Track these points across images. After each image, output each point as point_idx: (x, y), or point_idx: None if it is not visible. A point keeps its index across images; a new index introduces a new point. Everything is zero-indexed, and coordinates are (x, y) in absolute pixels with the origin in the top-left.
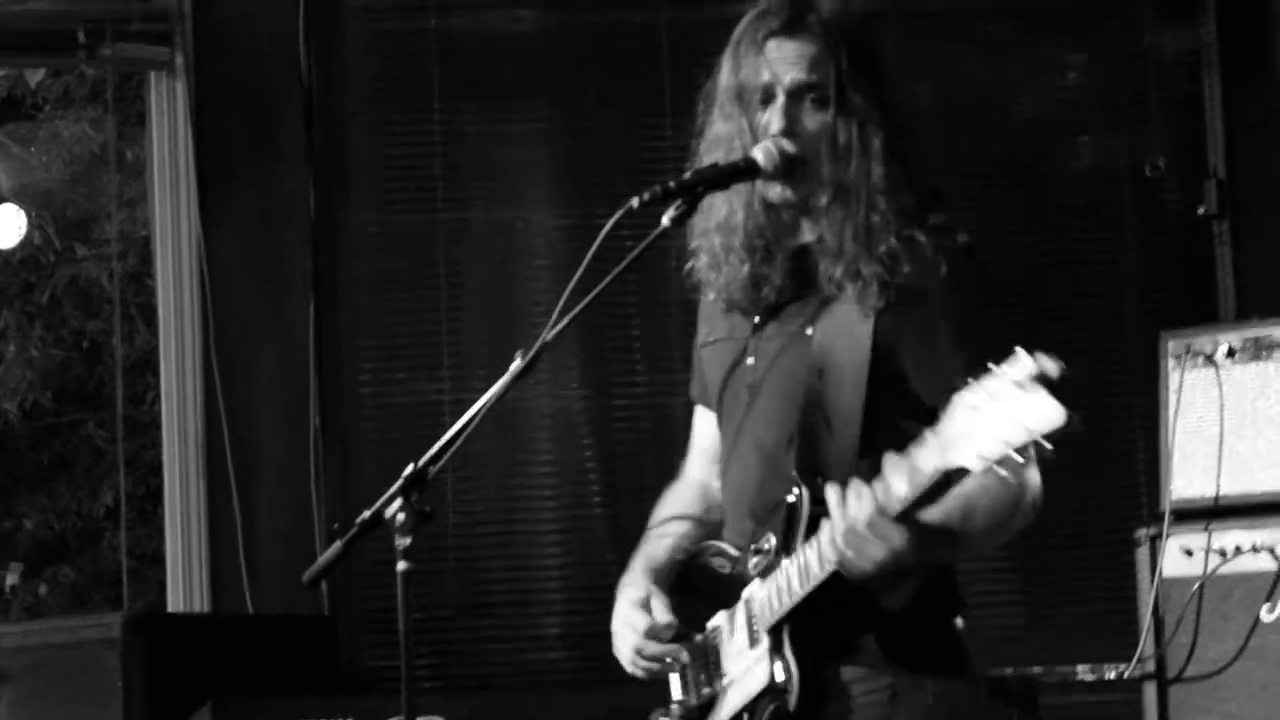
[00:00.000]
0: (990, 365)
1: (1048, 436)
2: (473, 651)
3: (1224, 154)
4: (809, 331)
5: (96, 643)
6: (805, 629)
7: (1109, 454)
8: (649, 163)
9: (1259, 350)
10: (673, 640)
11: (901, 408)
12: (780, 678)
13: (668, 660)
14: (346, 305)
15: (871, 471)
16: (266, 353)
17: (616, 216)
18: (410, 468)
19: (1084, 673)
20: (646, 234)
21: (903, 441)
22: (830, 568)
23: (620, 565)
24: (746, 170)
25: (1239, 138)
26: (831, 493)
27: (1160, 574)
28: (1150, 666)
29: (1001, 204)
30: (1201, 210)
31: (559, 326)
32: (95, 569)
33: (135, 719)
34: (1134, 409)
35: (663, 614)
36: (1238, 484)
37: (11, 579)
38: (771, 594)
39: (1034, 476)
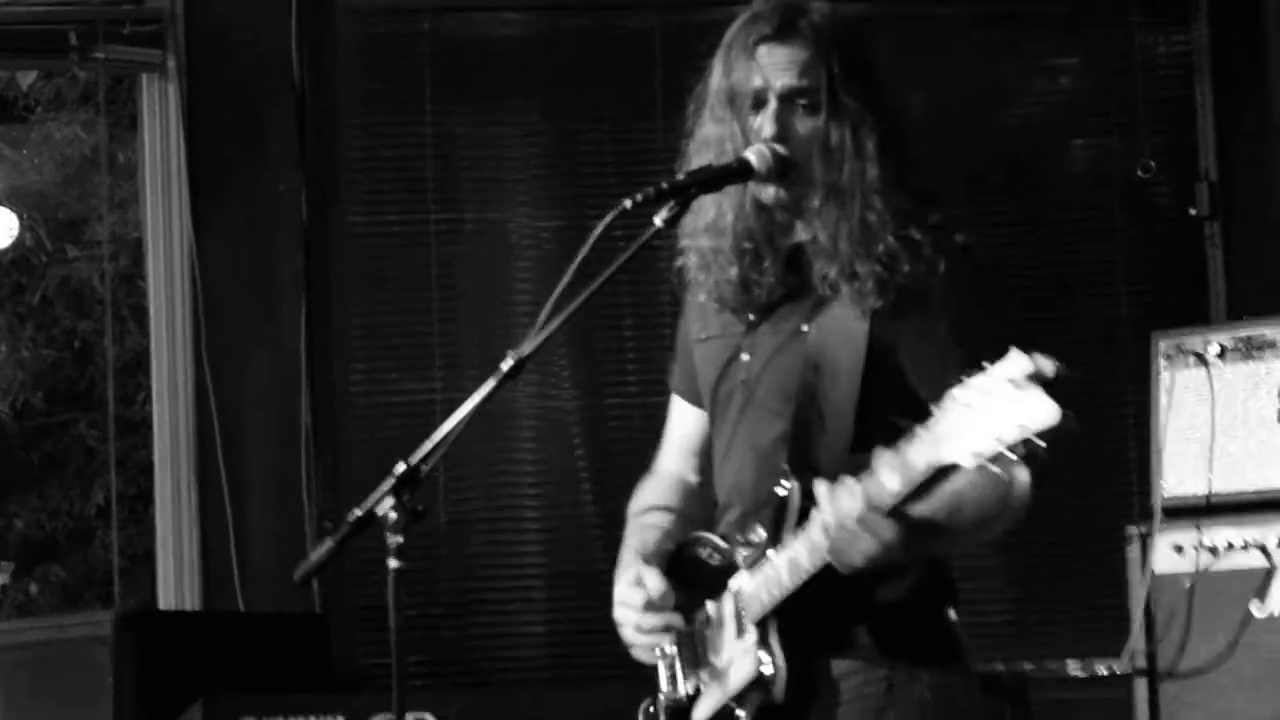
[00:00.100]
0: (985, 363)
1: (1042, 435)
2: (464, 649)
3: (1215, 156)
4: (805, 329)
5: (88, 640)
6: (795, 621)
7: (1101, 452)
8: (640, 165)
9: (1250, 350)
10: (673, 613)
11: (896, 405)
12: (767, 671)
13: (673, 629)
14: (338, 306)
15: (863, 468)
16: (258, 353)
17: (610, 217)
18: (402, 466)
19: (1075, 669)
20: (638, 235)
21: (896, 438)
22: (820, 561)
23: (611, 564)
24: (740, 172)
25: (1230, 140)
26: (821, 487)
27: (1151, 571)
28: (1141, 663)
29: (994, 206)
30: (1193, 212)
31: (551, 327)
32: (86, 568)
33: (126, 717)
34: (1126, 408)
35: (657, 585)
36: (1229, 482)
37: (2, 578)
38: (760, 586)
39: (1023, 475)
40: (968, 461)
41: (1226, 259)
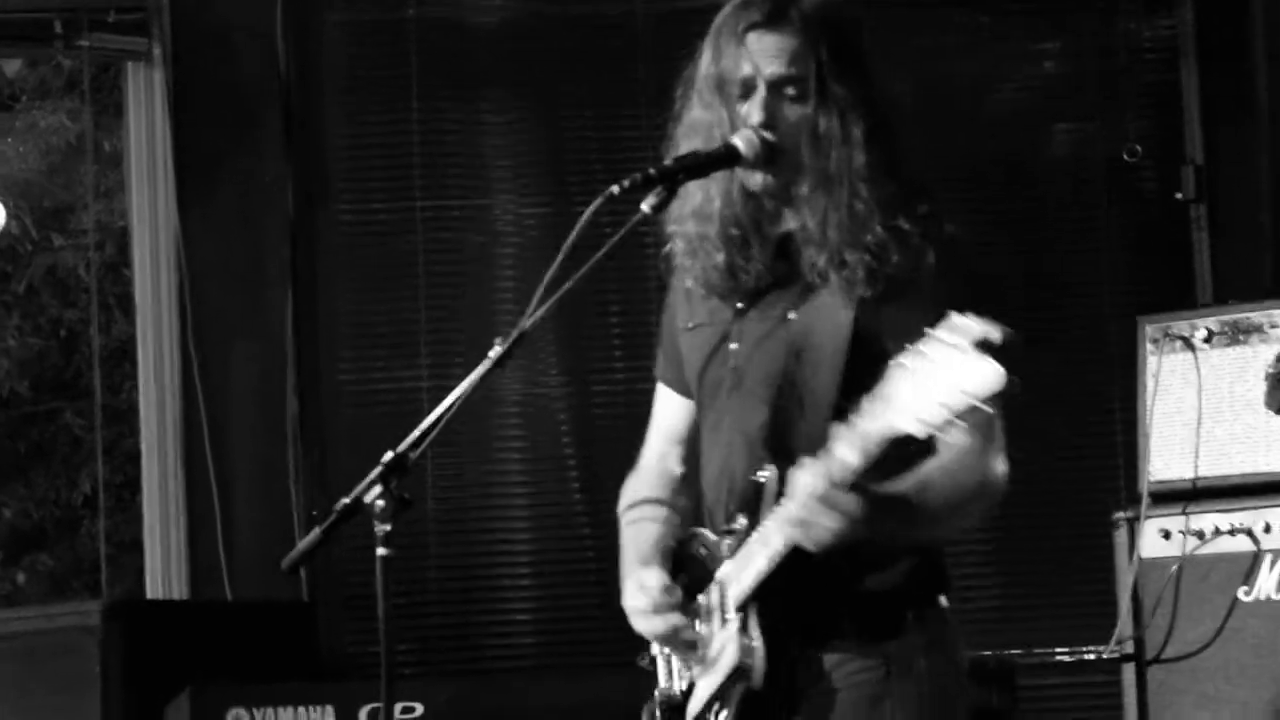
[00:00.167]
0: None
1: (990, 400)
2: (452, 637)
3: (1201, 140)
4: (791, 316)
5: (75, 630)
6: (778, 607)
7: (1088, 437)
8: (625, 151)
9: (1236, 334)
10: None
11: None
12: (746, 658)
13: (680, 628)
14: (324, 294)
15: None
16: (244, 341)
17: (597, 203)
18: (390, 454)
19: (1062, 654)
20: (625, 221)
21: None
22: (788, 540)
23: (598, 552)
24: (728, 158)
25: (1216, 124)
26: (794, 470)
27: (1138, 556)
28: (1129, 648)
29: (979, 191)
30: (1179, 196)
31: (538, 314)
32: (74, 557)
33: (114, 705)
34: (1112, 392)
35: (659, 586)
36: (1215, 467)
37: None
38: (739, 572)
39: (999, 463)
40: (917, 430)
41: (1212, 243)
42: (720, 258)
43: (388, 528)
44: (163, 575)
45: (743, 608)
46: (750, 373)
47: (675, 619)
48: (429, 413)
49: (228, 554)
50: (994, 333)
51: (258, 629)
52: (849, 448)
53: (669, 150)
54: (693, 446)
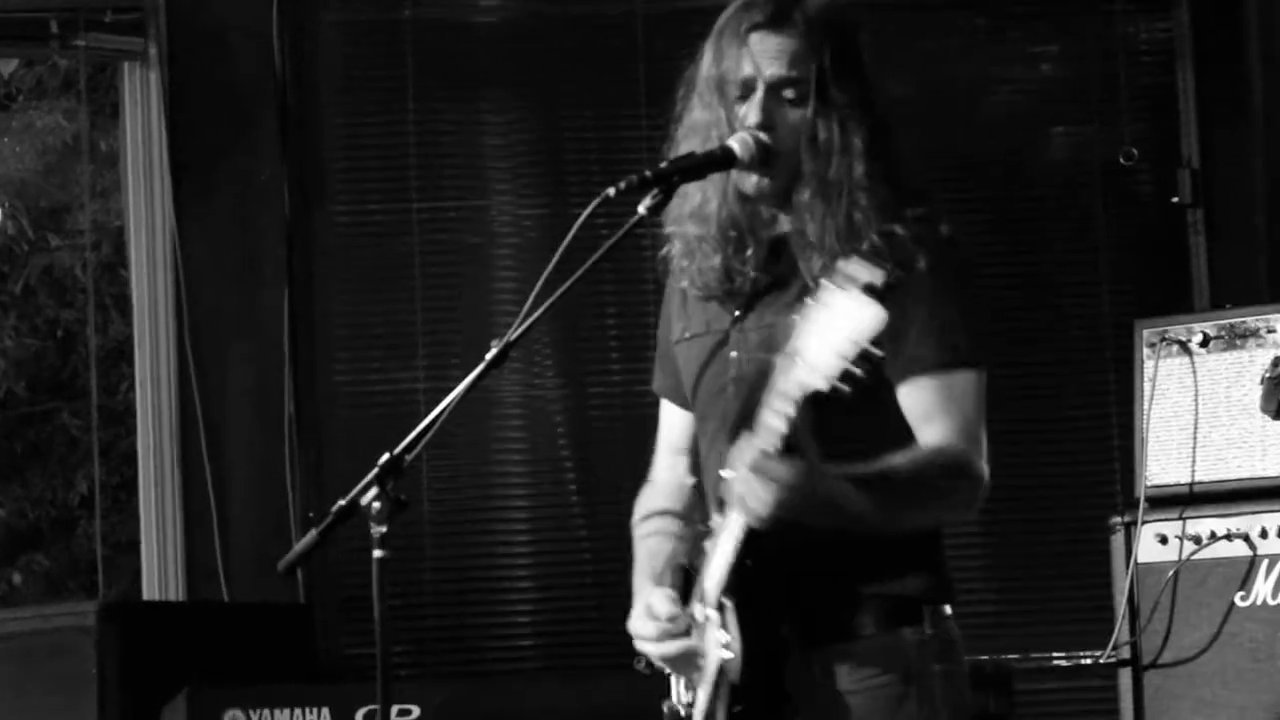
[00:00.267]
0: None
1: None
2: (449, 639)
3: (1197, 144)
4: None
5: (71, 630)
6: (767, 603)
7: (1084, 441)
8: (623, 153)
9: (1233, 338)
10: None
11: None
12: (724, 653)
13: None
14: (321, 295)
15: (821, 450)
16: (241, 342)
17: (593, 206)
18: (386, 456)
19: (1059, 659)
20: (622, 223)
21: (860, 427)
22: (739, 519)
23: (595, 554)
24: (723, 160)
25: (1212, 127)
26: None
27: (1135, 560)
28: (1125, 653)
29: (975, 194)
30: (1175, 200)
31: (534, 316)
32: (70, 557)
33: (110, 707)
34: (1109, 396)
35: (666, 610)
36: (1212, 471)
37: None
38: (713, 568)
39: (977, 465)
40: (823, 385)
41: (1209, 246)
42: (717, 259)
43: (384, 529)
44: (159, 576)
45: (720, 604)
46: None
47: (682, 644)
48: (425, 414)
49: (224, 555)
50: (877, 275)
51: (254, 630)
52: (771, 412)
53: (670, 150)
54: (697, 457)
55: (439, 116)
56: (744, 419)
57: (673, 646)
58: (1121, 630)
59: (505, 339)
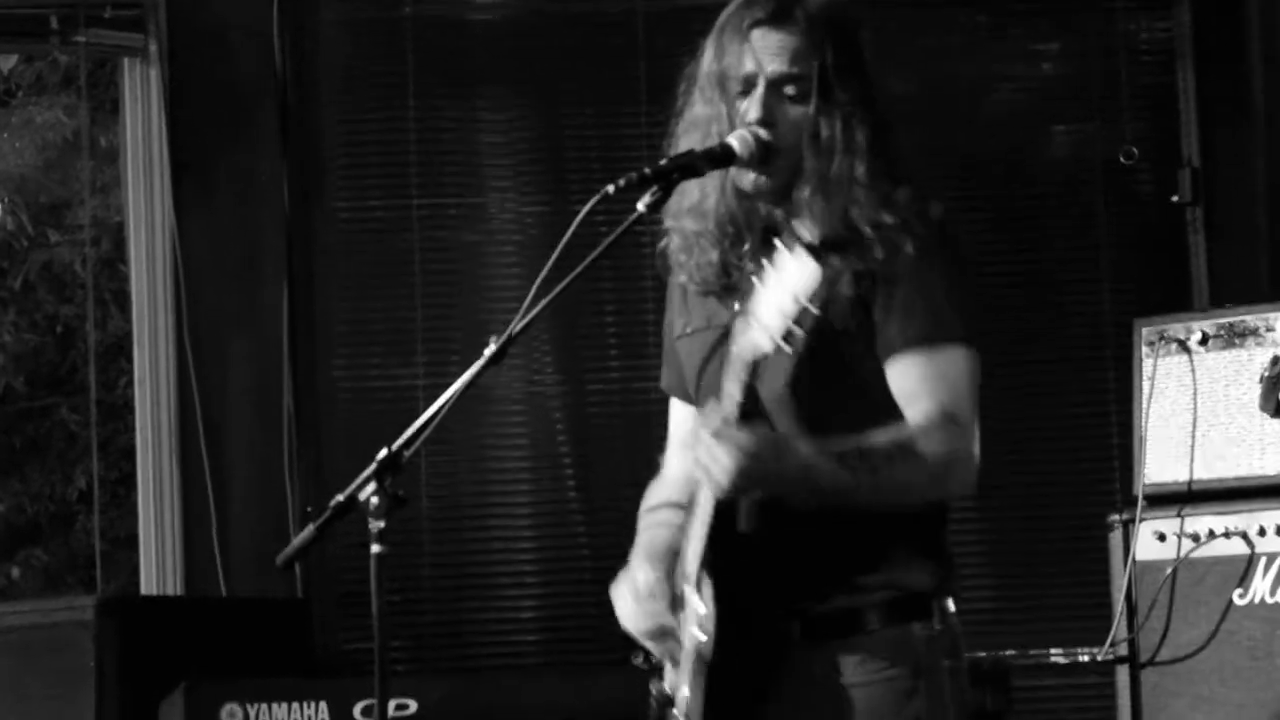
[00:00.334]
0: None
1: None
2: (446, 634)
3: (1198, 143)
4: None
5: (70, 625)
6: (749, 581)
7: (1083, 439)
8: (624, 150)
9: (1232, 337)
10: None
11: (840, 387)
12: (696, 631)
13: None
14: (320, 291)
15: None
16: (240, 338)
17: (592, 203)
18: (384, 452)
19: (1057, 656)
20: (621, 220)
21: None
22: (707, 491)
23: (594, 550)
24: (722, 157)
25: (1213, 126)
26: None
27: (1134, 558)
28: (1123, 650)
29: (975, 192)
30: (1175, 198)
31: (533, 312)
32: (68, 552)
33: (108, 701)
34: (1108, 395)
35: (647, 580)
36: (1211, 469)
37: None
38: (691, 547)
39: (963, 450)
40: (768, 345)
41: (1209, 245)
42: (714, 254)
43: (382, 525)
44: (157, 571)
45: (698, 581)
46: None
47: (660, 616)
48: (424, 410)
49: (222, 550)
50: (815, 233)
51: (252, 625)
52: (730, 380)
53: (669, 144)
54: None
55: (439, 114)
56: (715, 390)
57: (648, 617)
58: (1119, 627)
59: (504, 335)
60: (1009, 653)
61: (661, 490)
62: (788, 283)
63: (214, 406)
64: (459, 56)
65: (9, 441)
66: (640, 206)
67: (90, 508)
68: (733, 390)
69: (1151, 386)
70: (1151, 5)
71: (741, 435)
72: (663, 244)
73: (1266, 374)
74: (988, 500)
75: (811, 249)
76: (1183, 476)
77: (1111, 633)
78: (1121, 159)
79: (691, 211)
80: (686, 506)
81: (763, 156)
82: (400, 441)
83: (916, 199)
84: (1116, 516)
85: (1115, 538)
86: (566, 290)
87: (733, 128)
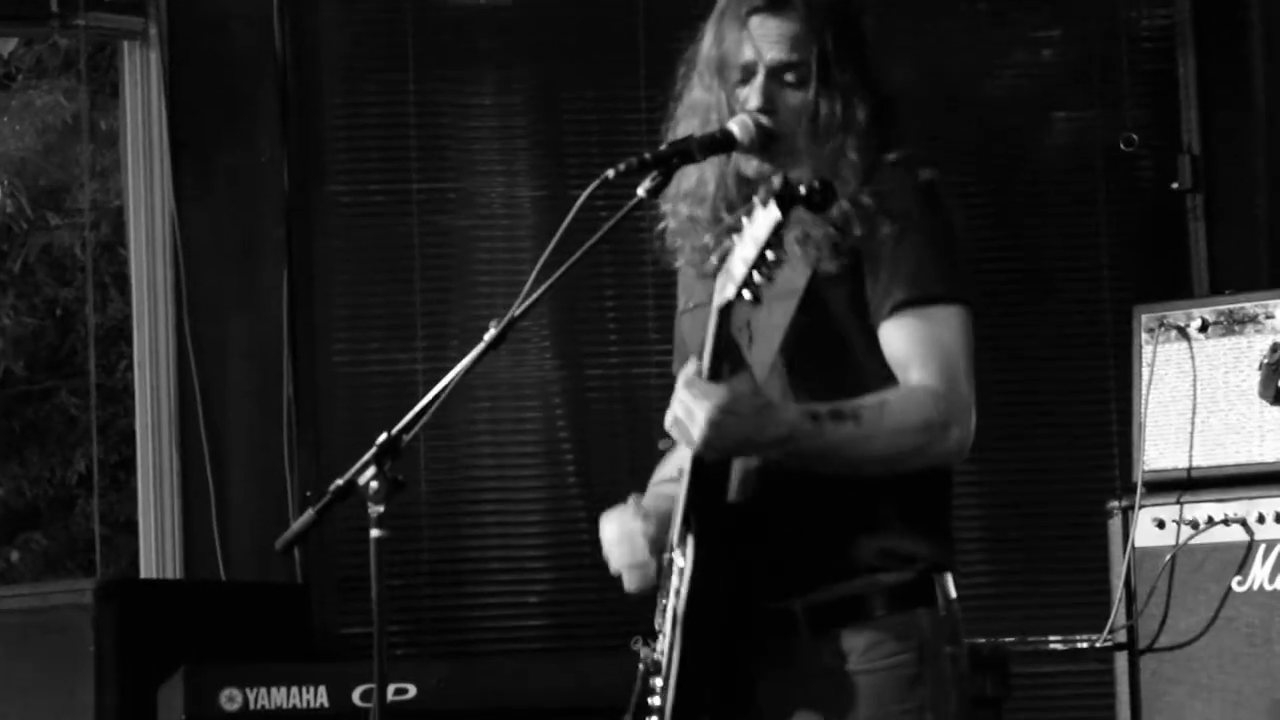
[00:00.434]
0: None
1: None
2: (445, 619)
3: (1198, 130)
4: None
5: (69, 609)
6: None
7: (1082, 426)
8: (623, 134)
9: (1232, 324)
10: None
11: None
12: (672, 580)
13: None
14: (320, 276)
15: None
16: (239, 322)
17: (592, 188)
18: (384, 436)
19: (1056, 643)
20: (621, 204)
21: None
22: (683, 448)
23: (593, 534)
24: (723, 143)
25: (1213, 113)
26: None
27: (1132, 545)
28: (1122, 637)
29: (975, 178)
30: (1175, 185)
31: (533, 297)
32: (68, 536)
33: (107, 685)
34: (1108, 382)
35: (627, 519)
36: (1210, 456)
37: None
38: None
39: (955, 417)
40: (732, 293)
41: (1209, 232)
42: (709, 238)
43: (381, 509)
44: (156, 555)
45: (681, 540)
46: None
47: (638, 555)
48: (424, 395)
49: (222, 534)
50: (778, 180)
51: (252, 610)
52: (708, 335)
53: (669, 127)
54: None
55: (439, 97)
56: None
57: (630, 550)
58: (1118, 614)
59: (504, 320)
60: (1008, 639)
61: (667, 467)
62: (753, 232)
63: (213, 390)
64: (459, 41)
65: (8, 425)
66: (640, 192)
67: (90, 491)
68: (709, 345)
69: (1151, 373)
70: None
71: (712, 388)
72: (659, 227)
73: (1266, 361)
74: (987, 486)
75: (778, 197)
76: (1182, 463)
77: (1110, 619)
78: (1121, 145)
79: (688, 196)
80: (678, 477)
81: (763, 142)
82: (400, 426)
83: (904, 159)
84: (1116, 503)
85: (1114, 524)
86: (566, 275)
87: (732, 114)
